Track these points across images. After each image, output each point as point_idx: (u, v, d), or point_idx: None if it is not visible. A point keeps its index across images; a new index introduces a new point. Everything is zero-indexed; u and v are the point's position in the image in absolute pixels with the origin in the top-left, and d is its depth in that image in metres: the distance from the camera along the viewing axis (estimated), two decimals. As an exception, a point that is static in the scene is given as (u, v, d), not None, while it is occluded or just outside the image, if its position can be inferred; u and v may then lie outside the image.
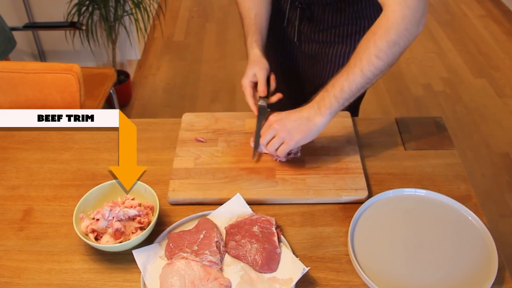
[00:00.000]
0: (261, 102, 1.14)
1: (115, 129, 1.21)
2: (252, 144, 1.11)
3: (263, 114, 1.13)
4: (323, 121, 0.99)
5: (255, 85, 1.17)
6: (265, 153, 1.10)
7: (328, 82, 1.01)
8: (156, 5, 3.08)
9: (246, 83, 1.16)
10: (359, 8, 1.25)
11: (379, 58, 0.95)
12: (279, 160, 1.08)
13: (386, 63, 0.96)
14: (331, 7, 1.25)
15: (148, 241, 0.92)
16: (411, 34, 0.96)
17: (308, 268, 0.84)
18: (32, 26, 2.45)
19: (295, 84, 1.50)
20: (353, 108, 1.47)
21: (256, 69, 1.16)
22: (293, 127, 1.00)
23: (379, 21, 0.97)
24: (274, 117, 1.03)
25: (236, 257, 0.90)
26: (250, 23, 1.22)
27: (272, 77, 1.18)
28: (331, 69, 1.37)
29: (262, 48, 1.20)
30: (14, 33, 2.19)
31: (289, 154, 1.08)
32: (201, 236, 0.91)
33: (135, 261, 0.88)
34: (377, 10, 1.24)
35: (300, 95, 1.49)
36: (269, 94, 1.16)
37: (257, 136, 1.09)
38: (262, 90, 1.15)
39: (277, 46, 1.43)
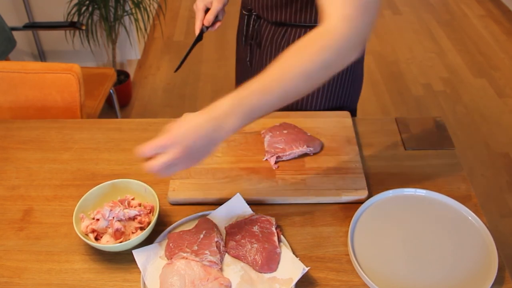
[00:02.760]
0: (204, 29, 1.25)
1: (115, 129, 1.21)
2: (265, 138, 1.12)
3: (200, 36, 1.25)
4: (223, 140, 0.79)
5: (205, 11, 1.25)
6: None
7: (240, 87, 0.79)
8: (156, 5, 3.09)
9: (201, 6, 1.23)
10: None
11: (306, 81, 0.79)
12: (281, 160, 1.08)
13: (311, 87, 0.81)
14: (279, 29, 1.19)
15: (148, 241, 0.92)
16: (346, 59, 0.81)
17: (308, 268, 0.84)
18: (32, 26, 2.45)
19: None
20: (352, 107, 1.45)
21: None
22: (194, 154, 0.78)
23: (316, 35, 0.79)
24: (170, 139, 0.76)
25: (236, 257, 0.90)
26: None
27: (222, 11, 1.26)
28: None
29: None
30: (14, 33, 2.20)
31: (276, 162, 1.08)
32: (201, 236, 0.91)
33: (135, 261, 0.88)
34: None
35: None
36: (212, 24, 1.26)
37: (186, 54, 1.22)
38: (210, 19, 1.22)
39: (241, 63, 1.41)
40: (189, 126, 0.77)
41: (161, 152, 0.77)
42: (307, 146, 1.08)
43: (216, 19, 1.26)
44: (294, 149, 1.07)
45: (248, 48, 1.30)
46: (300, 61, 0.78)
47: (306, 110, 1.28)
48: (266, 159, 1.08)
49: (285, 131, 1.12)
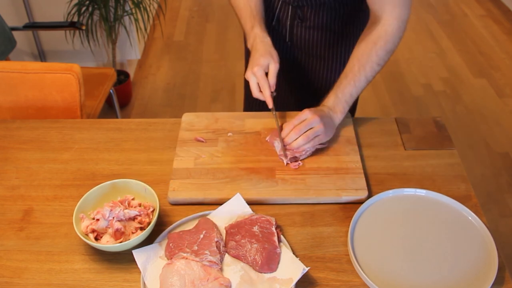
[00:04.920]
0: (273, 95, 1.12)
1: (115, 129, 1.21)
2: (275, 143, 1.11)
3: (275, 107, 1.13)
4: (339, 122, 1.14)
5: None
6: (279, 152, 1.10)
7: (334, 86, 1.14)
8: (156, 5, 3.08)
9: (262, 73, 1.10)
10: (355, 8, 1.26)
11: (379, 65, 1.12)
12: (287, 161, 1.08)
13: (382, 66, 1.14)
14: (324, 7, 1.25)
15: (148, 241, 0.92)
16: (401, 39, 1.13)
17: (308, 268, 0.84)
18: (32, 26, 2.45)
19: (291, 82, 1.48)
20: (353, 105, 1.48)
21: (271, 60, 1.12)
22: (327, 123, 1.09)
23: (377, 32, 1.11)
24: (310, 113, 1.08)
25: (236, 257, 0.90)
26: (252, 13, 1.21)
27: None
28: (328, 67, 1.38)
29: None
30: (14, 33, 2.19)
31: (296, 161, 1.08)
32: (201, 236, 0.91)
33: (135, 261, 0.88)
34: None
35: (300, 91, 1.49)
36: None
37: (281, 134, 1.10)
38: (273, 83, 1.12)
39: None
40: (320, 112, 1.10)
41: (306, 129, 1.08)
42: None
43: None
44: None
45: (286, 27, 1.33)
46: (374, 54, 1.11)
47: (313, 89, 1.40)
48: (287, 163, 1.07)
49: None
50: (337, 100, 1.12)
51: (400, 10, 1.09)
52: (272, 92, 1.11)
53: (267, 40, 1.16)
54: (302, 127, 1.07)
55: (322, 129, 1.07)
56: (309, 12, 1.27)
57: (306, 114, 1.09)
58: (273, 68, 1.11)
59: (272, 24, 1.35)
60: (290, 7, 1.28)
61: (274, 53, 1.14)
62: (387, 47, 1.10)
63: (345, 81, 1.12)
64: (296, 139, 1.07)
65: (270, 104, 1.11)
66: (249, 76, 1.12)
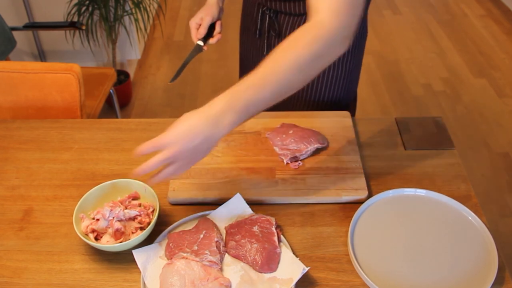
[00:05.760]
0: (199, 42, 1.30)
1: (115, 129, 1.21)
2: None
3: (196, 50, 1.30)
4: (221, 137, 0.82)
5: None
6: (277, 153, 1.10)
7: (236, 85, 0.84)
8: (156, 5, 3.08)
9: (193, 24, 1.31)
10: None
11: (298, 73, 0.82)
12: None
13: (303, 79, 0.84)
14: (299, 18, 1.21)
15: (148, 241, 0.92)
16: (334, 51, 0.85)
17: (308, 268, 0.84)
18: (32, 26, 2.45)
19: None
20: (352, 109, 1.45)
21: (204, 14, 1.29)
22: (192, 154, 0.80)
23: (306, 28, 0.84)
24: (167, 138, 0.78)
25: (236, 257, 0.90)
26: None
27: (218, 23, 1.31)
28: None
29: None
30: (14, 33, 2.20)
31: (296, 161, 1.08)
32: (201, 236, 0.91)
33: (135, 261, 0.88)
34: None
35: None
36: (208, 37, 1.32)
37: (183, 64, 1.25)
38: (201, 32, 1.29)
39: (251, 58, 1.41)
40: (185, 126, 0.79)
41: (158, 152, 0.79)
42: (319, 142, 1.09)
43: (213, 31, 1.31)
44: (308, 146, 1.08)
45: (264, 40, 1.31)
46: (292, 54, 0.81)
47: (307, 101, 1.32)
48: (287, 163, 1.07)
49: (291, 131, 1.12)
50: (227, 107, 0.83)
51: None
52: (200, 39, 1.30)
53: (213, 0, 1.31)
54: (157, 162, 0.79)
55: (181, 164, 0.80)
56: (285, 25, 1.23)
57: (163, 143, 0.79)
58: (205, 20, 1.28)
59: (256, 37, 1.34)
60: (268, 18, 1.25)
61: (211, 8, 1.29)
62: (313, 48, 0.82)
63: (246, 82, 0.85)
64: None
65: (195, 41, 1.29)
66: (189, 25, 1.31)
